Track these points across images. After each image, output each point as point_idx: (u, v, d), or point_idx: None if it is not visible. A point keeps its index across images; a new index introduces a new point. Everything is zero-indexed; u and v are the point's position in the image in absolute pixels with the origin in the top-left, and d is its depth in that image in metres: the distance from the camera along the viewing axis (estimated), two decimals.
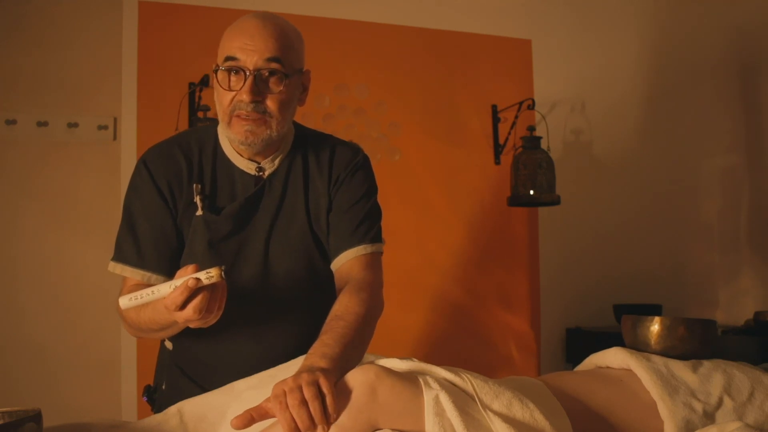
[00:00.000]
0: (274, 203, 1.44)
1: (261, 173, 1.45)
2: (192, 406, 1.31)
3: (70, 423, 1.24)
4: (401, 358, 1.23)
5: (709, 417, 1.31)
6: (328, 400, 1.05)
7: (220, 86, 1.36)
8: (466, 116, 3.01)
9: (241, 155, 1.45)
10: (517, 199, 2.83)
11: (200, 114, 2.49)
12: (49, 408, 1.25)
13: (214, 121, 2.31)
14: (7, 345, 2.40)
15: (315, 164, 1.49)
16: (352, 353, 1.23)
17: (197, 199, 1.41)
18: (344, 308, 1.31)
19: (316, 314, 1.42)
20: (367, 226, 1.48)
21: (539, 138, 2.83)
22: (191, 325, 1.17)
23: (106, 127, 2.55)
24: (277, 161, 1.46)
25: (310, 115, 2.75)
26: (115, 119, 2.57)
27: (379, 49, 2.90)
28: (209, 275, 1.10)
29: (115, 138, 2.57)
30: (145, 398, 1.60)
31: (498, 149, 3.01)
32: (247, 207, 1.43)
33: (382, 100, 2.88)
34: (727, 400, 1.34)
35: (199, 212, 1.41)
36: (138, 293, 1.16)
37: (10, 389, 2.35)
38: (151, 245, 1.40)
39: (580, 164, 3.14)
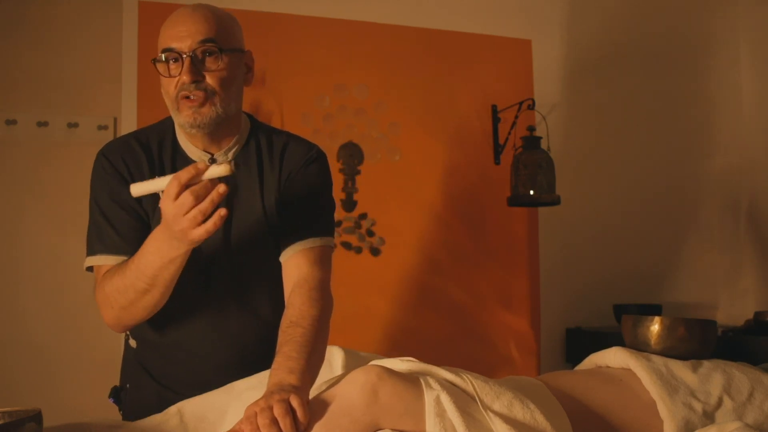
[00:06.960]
0: (229, 195, 1.44)
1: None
2: (192, 406, 1.31)
3: (70, 423, 1.24)
4: (401, 358, 1.23)
5: (709, 417, 1.31)
6: (299, 413, 1.05)
7: (162, 76, 1.37)
8: (466, 116, 3.01)
9: (196, 146, 1.45)
10: (517, 199, 2.83)
11: None
12: (49, 408, 1.25)
13: None
14: (7, 345, 2.40)
15: (268, 159, 1.49)
16: (315, 361, 1.24)
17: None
18: (299, 313, 1.30)
19: (275, 304, 1.46)
20: (318, 219, 1.47)
21: (539, 138, 2.82)
22: (182, 227, 1.14)
23: (106, 127, 2.55)
24: (230, 153, 1.47)
25: (310, 115, 2.75)
26: (115, 119, 2.57)
27: (379, 49, 2.90)
28: (218, 165, 1.12)
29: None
30: (111, 400, 1.58)
31: (498, 149, 3.01)
32: None
33: (382, 100, 2.88)
34: (726, 400, 1.34)
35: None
36: (146, 181, 1.20)
37: (10, 389, 2.35)
38: (131, 231, 1.40)
39: (580, 164, 3.14)
